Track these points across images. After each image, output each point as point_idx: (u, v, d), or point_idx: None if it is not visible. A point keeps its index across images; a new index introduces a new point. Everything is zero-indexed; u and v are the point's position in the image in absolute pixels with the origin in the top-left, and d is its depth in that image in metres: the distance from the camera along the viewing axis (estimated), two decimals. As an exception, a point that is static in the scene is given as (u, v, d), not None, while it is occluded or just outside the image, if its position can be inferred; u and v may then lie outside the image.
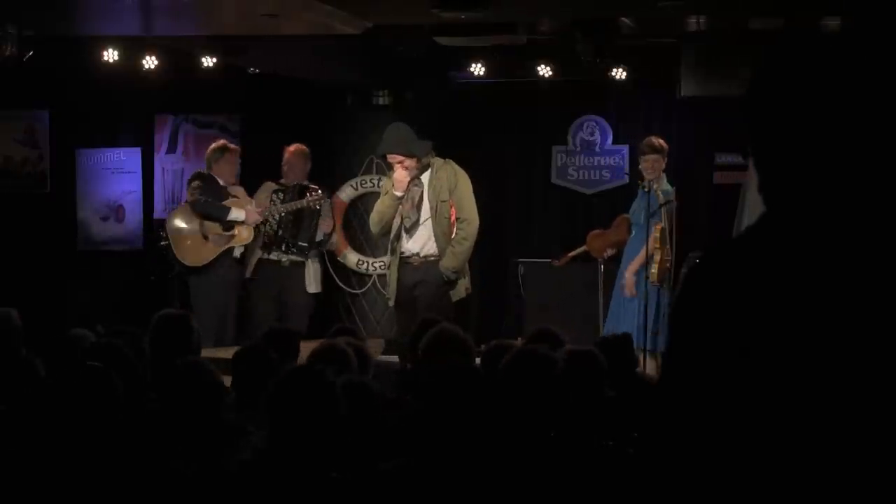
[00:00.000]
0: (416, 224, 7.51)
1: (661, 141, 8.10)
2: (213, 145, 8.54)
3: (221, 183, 8.27)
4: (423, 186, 7.52)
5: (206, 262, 8.14)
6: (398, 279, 7.61)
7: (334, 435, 3.36)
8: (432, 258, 7.53)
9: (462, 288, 7.59)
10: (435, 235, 7.50)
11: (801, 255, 1.63)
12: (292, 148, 8.63)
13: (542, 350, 3.91)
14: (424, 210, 7.51)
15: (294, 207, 8.27)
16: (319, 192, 8.37)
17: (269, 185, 8.62)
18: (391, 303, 7.78)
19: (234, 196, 8.30)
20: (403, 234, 7.55)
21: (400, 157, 7.46)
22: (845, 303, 1.60)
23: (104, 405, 3.38)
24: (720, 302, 1.65)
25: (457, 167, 7.61)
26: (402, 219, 7.51)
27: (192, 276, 8.19)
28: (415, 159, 7.44)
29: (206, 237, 8.13)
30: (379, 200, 7.75)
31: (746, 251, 1.69)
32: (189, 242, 8.18)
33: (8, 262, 9.87)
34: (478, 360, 4.72)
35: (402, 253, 7.59)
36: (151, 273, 9.64)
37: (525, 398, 3.59)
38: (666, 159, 8.04)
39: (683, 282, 1.76)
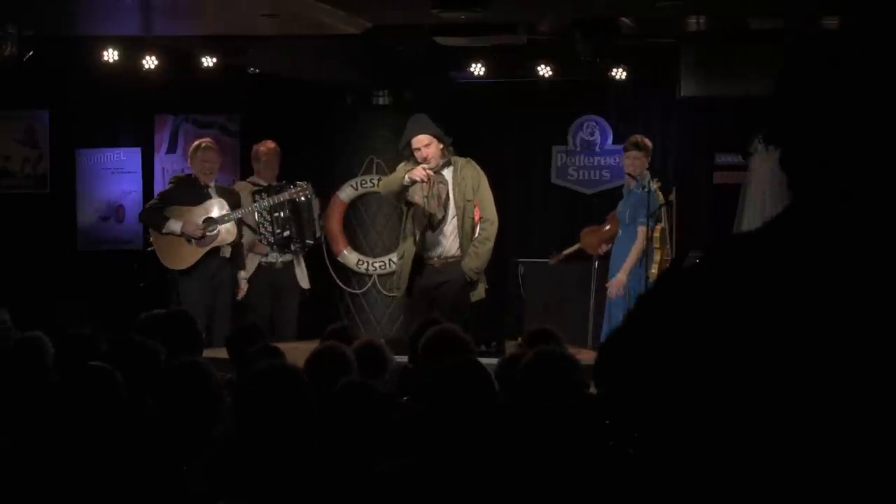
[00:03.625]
0: (442, 222, 7.47)
1: (647, 140, 8.12)
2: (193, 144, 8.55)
3: (203, 183, 8.18)
4: (447, 184, 7.46)
5: (190, 265, 8.08)
6: (415, 278, 7.53)
7: (303, 428, 3.37)
8: (452, 259, 7.49)
9: (482, 289, 7.57)
10: (459, 235, 7.46)
11: (827, 252, 1.63)
12: (271, 145, 8.58)
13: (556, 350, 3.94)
14: (451, 208, 7.47)
15: (279, 200, 8.23)
16: (303, 184, 8.33)
17: (246, 185, 8.54)
18: (398, 293, 7.68)
19: (212, 197, 8.15)
20: (428, 233, 7.49)
21: (427, 140, 7.35)
22: (874, 304, 1.60)
23: (108, 405, 3.38)
24: (737, 293, 1.64)
25: (478, 167, 7.58)
26: (428, 217, 7.43)
27: (181, 279, 8.12)
28: (440, 147, 7.38)
29: (188, 239, 8.06)
30: (393, 175, 7.58)
31: (771, 245, 1.68)
32: (172, 246, 8.11)
33: (8, 263, 9.87)
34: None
35: (424, 253, 7.51)
36: (141, 280, 9.64)
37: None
38: (649, 159, 8.06)
39: (701, 266, 1.74)
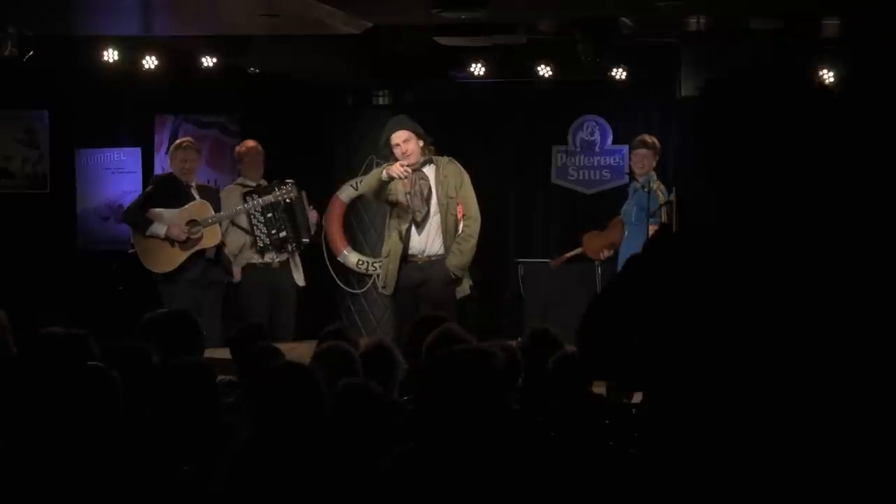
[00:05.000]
0: (426, 219, 7.49)
1: (654, 139, 8.13)
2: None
3: (184, 182, 8.12)
4: (429, 180, 7.49)
5: (174, 268, 8.00)
6: (399, 277, 7.56)
7: (319, 428, 3.37)
8: (435, 257, 7.52)
9: (467, 285, 7.59)
10: (442, 233, 7.48)
11: (745, 254, 2.06)
12: (251, 143, 8.49)
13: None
14: (433, 205, 7.49)
15: (268, 203, 8.17)
16: (293, 182, 8.26)
17: (234, 188, 8.49)
18: (388, 291, 7.69)
19: (195, 197, 8.08)
20: (413, 231, 7.51)
21: (405, 136, 7.38)
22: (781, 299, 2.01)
23: (105, 405, 3.37)
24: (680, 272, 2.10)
25: (460, 165, 7.62)
26: (412, 215, 7.46)
27: (164, 283, 8.02)
28: (420, 145, 7.41)
29: (172, 243, 8.00)
30: (372, 173, 7.69)
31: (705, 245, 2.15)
32: (155, 249, 8.03)
33: (7, 263, 9.86)
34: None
35: (408, 251, 7.53)
36: (120, 283, 9.61)
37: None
38: (657, 158, 8.06)
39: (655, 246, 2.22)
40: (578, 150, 10.24)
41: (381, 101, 9.84)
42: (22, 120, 10.53)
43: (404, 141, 7.39)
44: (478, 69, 9.05)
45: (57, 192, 10.51)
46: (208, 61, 8.41)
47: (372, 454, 3.42)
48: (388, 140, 7.48)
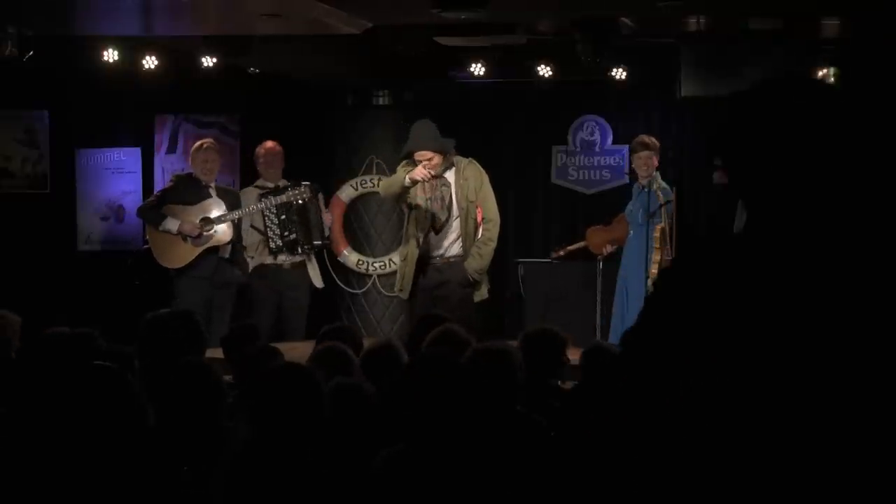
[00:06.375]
0: (446, 223, 7.45)
1: (653, 138, 8.14)
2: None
3: (203, 182, 8.17)
4: (450, 185, 7.44)
5: (185, 263, 8.05)
6: (417, 279, 7.51)
7: (318, 428, 3.37)
8: (453, 259, 7.48)
9: (485, 289, 7.54)
10: (462, 236, 7.45)
11: (779, 268, 1.91)
12: (269, 145, 8.52)
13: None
14: (454, 210, 7.44)
15: (280, 202, 8.19)
16: (308, 184, 8.27)
17: (252, 190, 8.51)
18: (404, 295, 7.65)
19: (214, 197, 8.11)
20: (432, 234, 7.48)
21: (430, 155, 7.36)
22: (817, 312, 1.84)
23: (119, 406, 3.37)
24: (700, 298, 1.91)
25: (480, 167, 7.55)
26: (431, 218, 7.41)
27: (176, 278, 8.08)
28: (442, 157, 7.38)
29: (184, 238, 8.04)
30: (394, 177, 7.57)
31: (730, 258, 2.01)
32: (167, 244, 8.07)
33: (8, 263, 9.87)
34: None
35: (426, 253, 7.49)
36: (135, 277, 9.62)
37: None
38: (658, 157, 8.07)
39: (669, 272, 2.06)
40: (578, 150, 10.24)
41: (381, 101, 9.84)
42: (22, 120, 10.53)
43: (428, 160, 7.32)
44: (478, 69, 9.05)
45: (57, 192, 10.51)
46: (208, 61, 8.41)
47: (364, 454, 3.43)
48: (409, 152, 7.40)
